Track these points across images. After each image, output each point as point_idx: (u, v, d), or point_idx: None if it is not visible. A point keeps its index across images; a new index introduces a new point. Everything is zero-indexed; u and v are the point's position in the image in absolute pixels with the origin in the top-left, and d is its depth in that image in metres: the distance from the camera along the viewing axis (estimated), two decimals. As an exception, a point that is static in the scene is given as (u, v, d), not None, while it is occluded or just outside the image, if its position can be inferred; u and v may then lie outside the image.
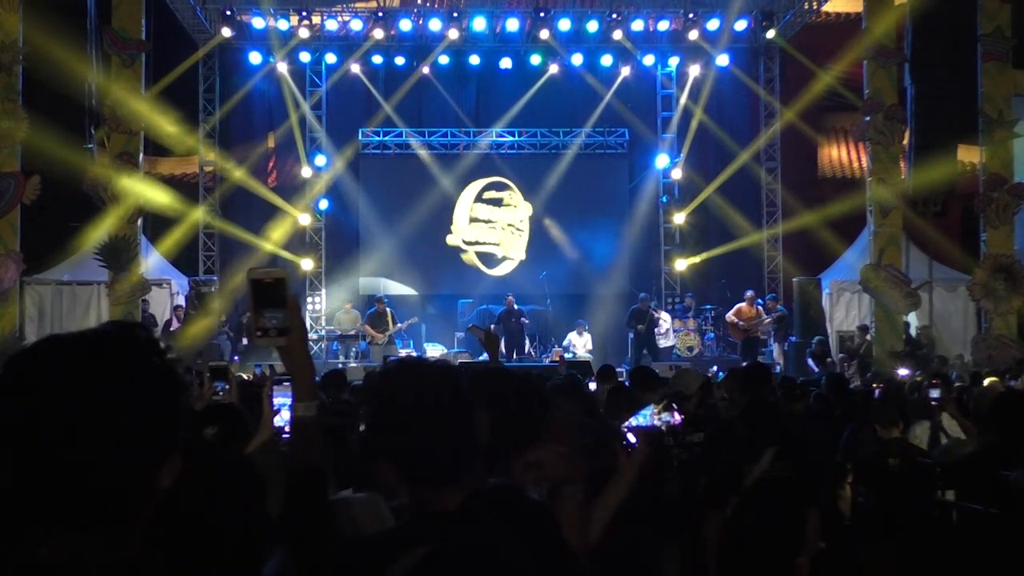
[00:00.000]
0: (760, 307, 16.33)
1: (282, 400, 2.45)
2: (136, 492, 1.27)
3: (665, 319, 16.86)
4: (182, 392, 1.35)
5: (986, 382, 8.66)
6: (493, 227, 18.80)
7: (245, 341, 15.25)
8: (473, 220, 18.75)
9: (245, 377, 10.40)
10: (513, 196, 18.81)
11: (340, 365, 14.84)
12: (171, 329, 15.52)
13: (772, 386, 6.75)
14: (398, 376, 1.82)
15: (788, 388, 7.14)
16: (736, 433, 4.87)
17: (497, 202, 18.80)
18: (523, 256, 18.72)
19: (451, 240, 18.63)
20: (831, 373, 10.13)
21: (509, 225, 18.80)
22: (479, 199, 18.75)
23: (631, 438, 2.03)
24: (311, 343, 17.93)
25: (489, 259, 18.74)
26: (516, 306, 16.54)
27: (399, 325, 16.15)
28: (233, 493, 1.58)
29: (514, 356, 15.94)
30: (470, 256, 18.63)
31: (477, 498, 1.67)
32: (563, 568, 1.71)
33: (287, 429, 2.32)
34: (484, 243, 18.76)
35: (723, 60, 18.20)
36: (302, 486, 1.91)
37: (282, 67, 17.88)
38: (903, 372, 7.83)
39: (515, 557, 1.60)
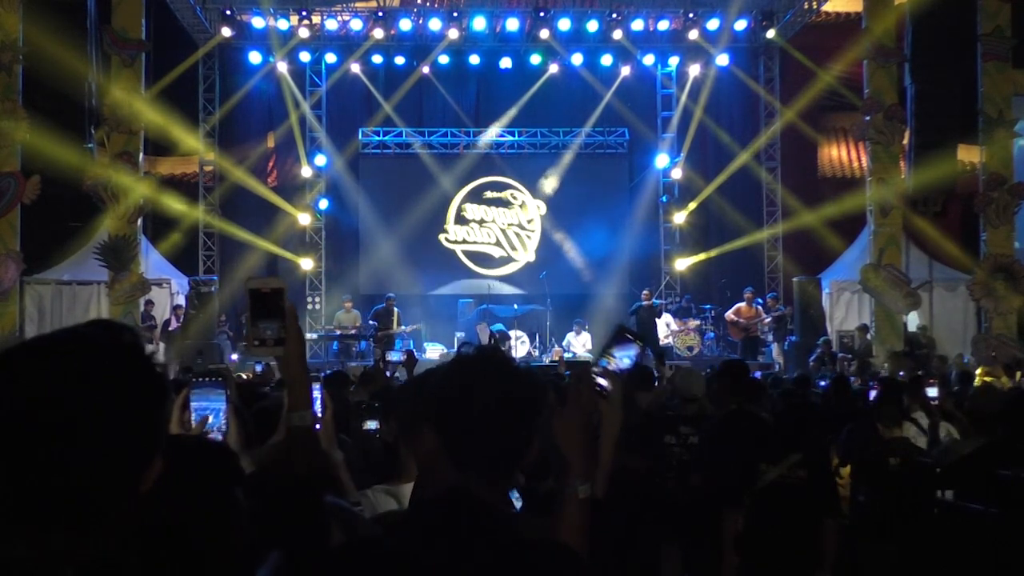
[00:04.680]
0: (759, 306, 16.32)
1: (201, 404, 2.25)
2: (116, 495, 1.27)
3: (668, 321, 16.76)
4: (167, 397, 1.35)
5: (987, 379, 8.66)
6: (488, 227, 18.71)
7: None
8: (461, 220, 18.64)
9: (244, 377, 10.41)
10: (518, 195, 18.73)
11: (340, 365, 14.84)
12: (170, 329, 15.51)
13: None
14: (482, 370, 1.78)
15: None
16: (749, 429, 4.78)
17: (497, 202, 18.73)
18: (531, 257, 18.55)
19: (443, 239, 18.63)
20: (837, 374, 10.12)
21: (511, 225, 18.73)
22: (474, 199, 18.66)
23: (602, 381, 2.03)
24: (311, 343, 18.04)
25: (484, 259, 18.64)
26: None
27: (403, 328, 16.14)
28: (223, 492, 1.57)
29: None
30: (459, 255, 18.57)
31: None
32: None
33: (209, 433, 2.18)
34: (474, 242, 18.67)
35: (723, 60, 18.19)
36: (299, 494, 1.90)
37: (282, 67, 17.86)
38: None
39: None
